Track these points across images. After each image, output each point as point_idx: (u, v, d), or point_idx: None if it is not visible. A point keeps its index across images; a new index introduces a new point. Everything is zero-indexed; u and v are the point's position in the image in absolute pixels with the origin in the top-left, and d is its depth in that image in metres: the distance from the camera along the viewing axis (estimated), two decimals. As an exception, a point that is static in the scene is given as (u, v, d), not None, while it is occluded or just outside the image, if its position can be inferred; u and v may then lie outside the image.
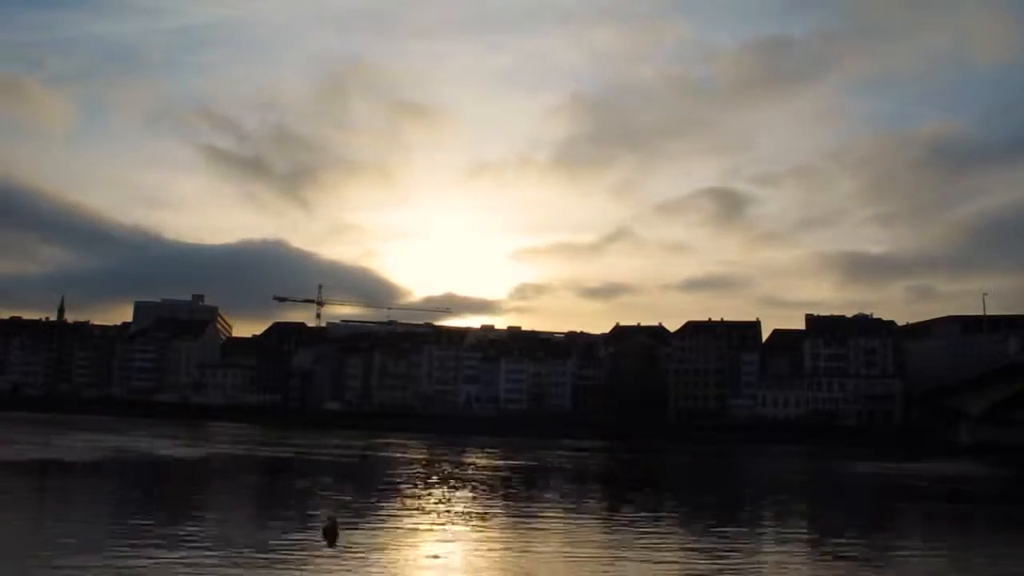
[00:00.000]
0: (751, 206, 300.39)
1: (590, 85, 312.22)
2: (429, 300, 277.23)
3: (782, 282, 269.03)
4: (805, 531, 37.35)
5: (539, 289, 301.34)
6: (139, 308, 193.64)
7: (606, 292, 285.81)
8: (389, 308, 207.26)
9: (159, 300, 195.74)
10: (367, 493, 44.20)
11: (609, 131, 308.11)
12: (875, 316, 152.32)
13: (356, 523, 31.76)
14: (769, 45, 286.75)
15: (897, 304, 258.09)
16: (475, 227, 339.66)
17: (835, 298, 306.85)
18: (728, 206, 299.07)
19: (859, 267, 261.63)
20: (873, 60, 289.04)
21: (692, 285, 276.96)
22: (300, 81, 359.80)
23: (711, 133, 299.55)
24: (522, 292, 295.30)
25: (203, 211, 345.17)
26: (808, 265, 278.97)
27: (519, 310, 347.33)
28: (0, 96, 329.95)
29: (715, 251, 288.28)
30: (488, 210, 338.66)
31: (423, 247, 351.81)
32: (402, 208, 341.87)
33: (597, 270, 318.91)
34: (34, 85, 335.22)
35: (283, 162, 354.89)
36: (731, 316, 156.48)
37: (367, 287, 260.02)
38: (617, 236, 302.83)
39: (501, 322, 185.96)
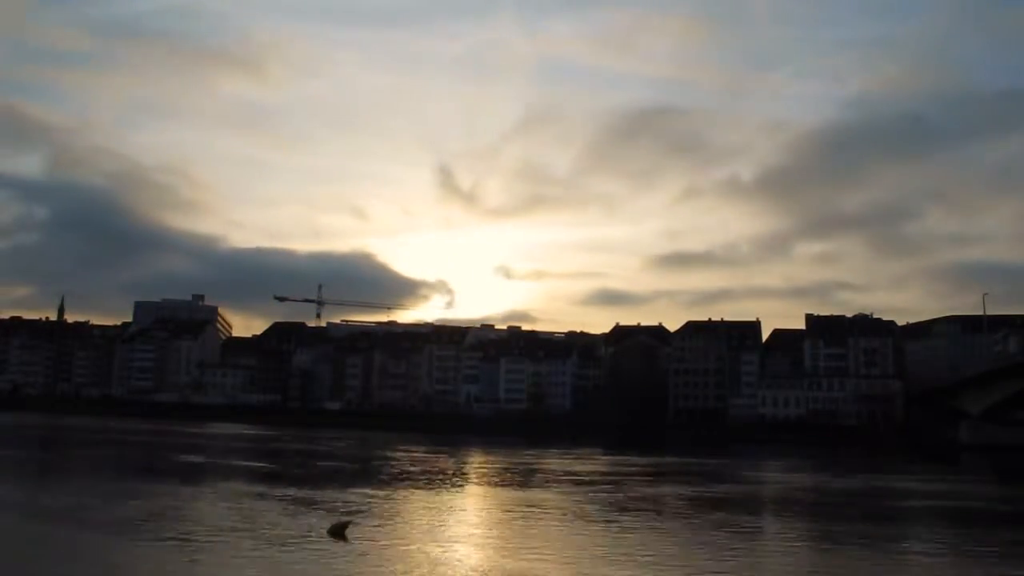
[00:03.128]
0: (912, 222, 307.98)
1: (829, 119, 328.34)
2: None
3: (890, 290, 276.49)
4: None
5: (625, 297, 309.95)
6: (139, 308, 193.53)
7: (703, 299, 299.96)
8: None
9: (159, 299, 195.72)
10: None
11: (822, 159, 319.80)
12: (875, 316, 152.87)
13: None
14: (995, 97, 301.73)
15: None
16: (620, 243, 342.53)
17: (931, 305, 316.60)
18: (888, 223, 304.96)
19: (977, 275, 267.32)
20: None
21: (794, 293, 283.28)
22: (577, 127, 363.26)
23: (914, 164, 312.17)
24: (599, 298, 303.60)
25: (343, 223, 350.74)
26: (926, 274, 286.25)
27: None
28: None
29: (853, 263, 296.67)
30: (659, 231, 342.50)
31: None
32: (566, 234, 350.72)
33: (720, 280, 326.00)
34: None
35: (498, 196, 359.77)
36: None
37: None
38: (772, 249, 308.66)
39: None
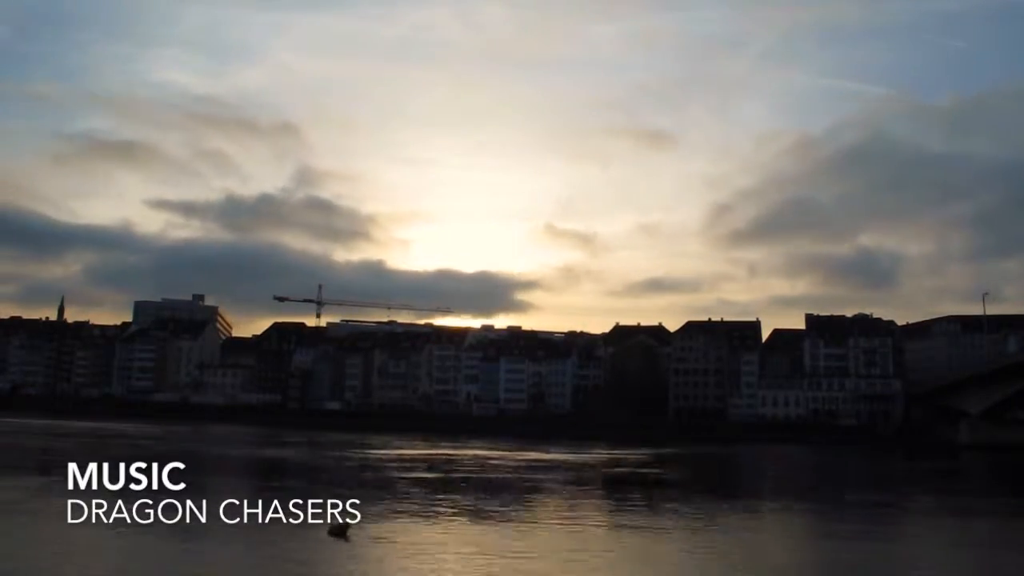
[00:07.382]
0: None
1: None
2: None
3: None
4: None
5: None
6: (139, 308, 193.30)
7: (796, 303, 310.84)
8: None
9: (159, 300, 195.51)
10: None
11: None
12: (875, 316, 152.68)
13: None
14: None
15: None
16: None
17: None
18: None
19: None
20: None
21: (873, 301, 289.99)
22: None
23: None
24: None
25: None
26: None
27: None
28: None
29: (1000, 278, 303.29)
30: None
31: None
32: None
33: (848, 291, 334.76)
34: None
35: (749, 222, 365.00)
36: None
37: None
38: (927, 267, 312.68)
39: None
